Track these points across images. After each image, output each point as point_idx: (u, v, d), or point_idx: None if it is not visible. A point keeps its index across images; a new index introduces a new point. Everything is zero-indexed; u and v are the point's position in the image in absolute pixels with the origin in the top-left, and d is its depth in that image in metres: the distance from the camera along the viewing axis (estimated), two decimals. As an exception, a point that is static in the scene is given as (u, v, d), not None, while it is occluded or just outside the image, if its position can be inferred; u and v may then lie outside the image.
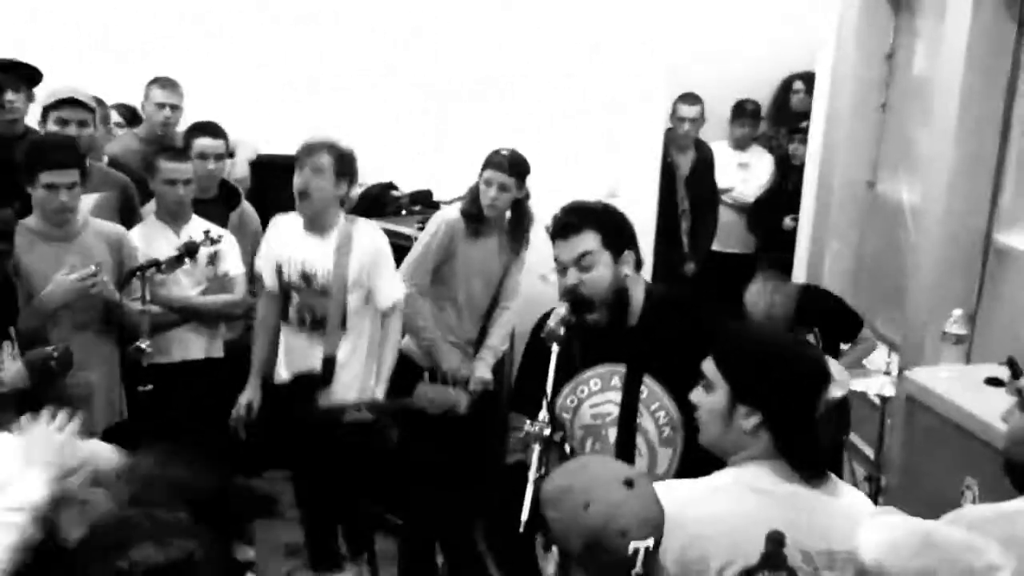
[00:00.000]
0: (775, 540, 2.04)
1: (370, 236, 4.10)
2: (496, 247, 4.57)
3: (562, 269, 2.88)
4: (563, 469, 1.99)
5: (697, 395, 2.29)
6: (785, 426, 2.16)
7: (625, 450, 2.88)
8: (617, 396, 2.90)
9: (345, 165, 4.02)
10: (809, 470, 2.18)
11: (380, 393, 4.07)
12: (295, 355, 4.12)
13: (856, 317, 4.67)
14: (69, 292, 3.75)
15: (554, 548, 1.91)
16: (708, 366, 2.25)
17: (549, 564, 1.92)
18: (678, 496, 2.12)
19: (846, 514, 2.20)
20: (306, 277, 4.06)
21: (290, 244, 4.09)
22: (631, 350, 2.87)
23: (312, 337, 4.07)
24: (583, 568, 1.88)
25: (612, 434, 2.91)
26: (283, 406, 4.13)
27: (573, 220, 2.87)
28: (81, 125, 4.34)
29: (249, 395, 4.17)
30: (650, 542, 1.88)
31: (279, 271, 4.11)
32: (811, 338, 4.59)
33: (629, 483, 1.90)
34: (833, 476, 2.24)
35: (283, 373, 4.17)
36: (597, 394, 2.94)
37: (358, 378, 4.10)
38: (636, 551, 1.85)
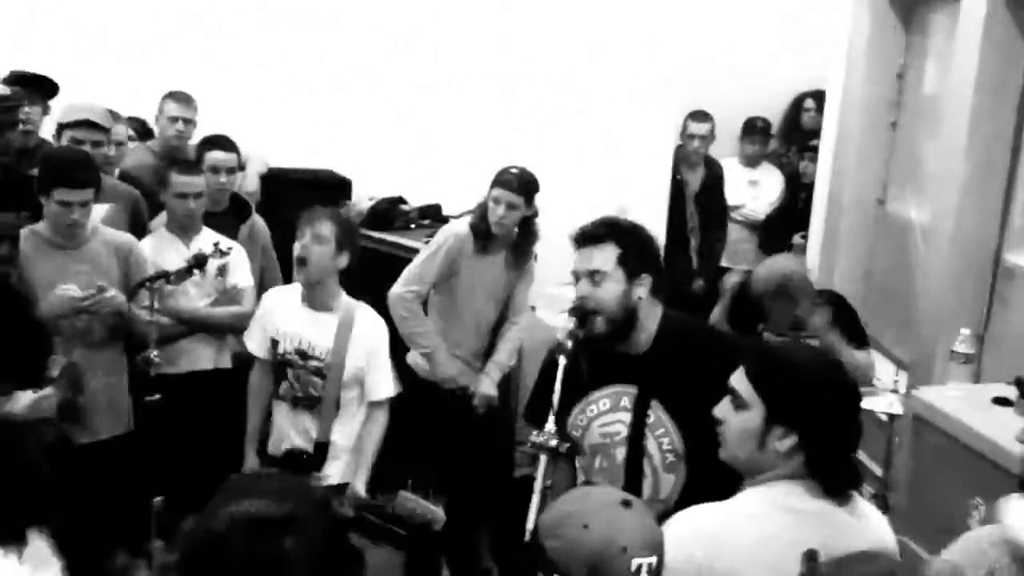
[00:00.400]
0: (811, 558, 2.03)
1: (372, 324, 3.95)
2: (503, 264, 4.57)
3: (576, 278, 2.87)
4: (558, 500, 1.98)
5: (724, 410, 2.24)
6: (821, 449, 2.13)
7: (633, 468, 2.87)
8: (626, 417, 2.88)
9: (347, 236, 3.88)
10: (840, 493, 2.16)
11: (361, 487, 3.86)
12: (286, 431, 3.95)
13: (863, 338, 4.66)
14: (66, 307, 3.76)
15: None
16: (741, 384, 2.20)
17: None
18: (713, 526, 2.12)
19: (871, 531, 2.21)
20: (303, 354, 3.88)
21: (288, 318, 3.93)
22: (642, 374, 2.85)
23: (303, 416, 3.91)
24: None
25: (620, 453, 2.89)
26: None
27: (597, 232, 2.85)
28: (95, 146, 4.37)
29: (250, 464, 4.02)
30: (652, 559, 1.86)
31: (274, 344, 3.94)
32: (817, 343, 4.57)
33: (626, 503, 1.90)
34: (856, 495, 2.23)
35: (273, 448, 4.00)
36: (607, 414, 2.92)
37: (346, 466, 3.93)
38: (639, 567, 1.84)
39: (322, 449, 3.87)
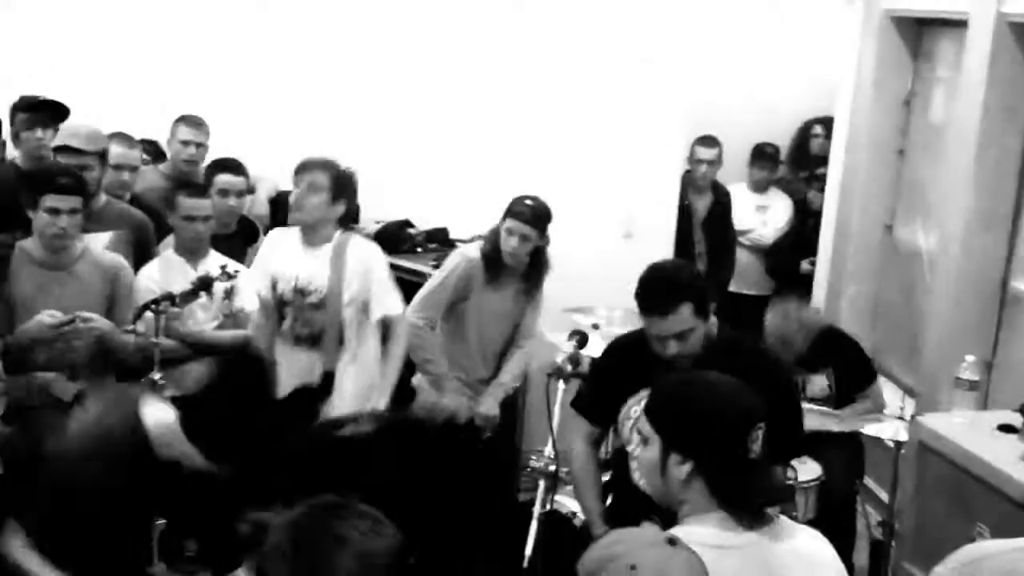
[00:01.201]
0: None
1: (363, 249, 4.11)
2: (513, 293, 4.56)
3: (660, 340, 3.01)
4: (598, 544, 1.93)
5: (637, 449, 2.34)
6: (717, 471, 2.15)
7: None
8: None
9: (342, 186, 4.06)
10: (748, 514, 2.16)
11: (382, 405, 4.02)
12: (292, 370, 4.09)
13: (870, 368, 4.65)
14: (41, 333, 3.75)
15: None
16: (641, 420, 2.27)
17: None
18: None
19: (799, 555, 2.18)
20: (300, 291, 4.06)
21: (285, 259, 4.10)
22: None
23: (308, 352, 4.06)
24: None
25: None
26: (282, 420, 4.09)
27: (671, 298, 2.99)
28: (81, 169, 4.38)
29: None
30: None
31: (273, 286, 4.13)
32: (825, 378, 4.58)
33: (672, 542, 1.87)
34: (781, 517, 2.22)
35: (281, 388, 4.12)
36: None
37: (359, 391, 4.06)
38: None
39: (328, 379, 4.00)
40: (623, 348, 3.33)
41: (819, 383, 4.60)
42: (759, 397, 2.23)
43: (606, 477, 3.40)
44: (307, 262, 4.07)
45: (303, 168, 4.06)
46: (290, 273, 4.07)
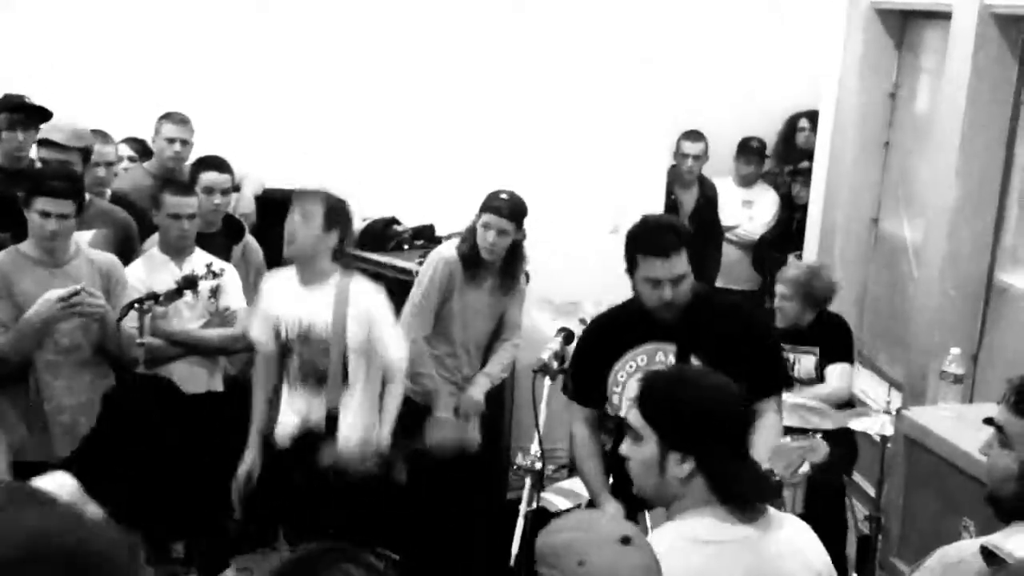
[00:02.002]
0: None
1: (367, 293, 3.99)
2: (492, 287, 4.55)
3: (655, 283, 3.10)
4: (557, 525, 1.95)
5: (627, 447, 2.29)
6: (718, 468, 2.17)
7: None
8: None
9: (336, 215, 3.91)
10: (746, 508, 2.18)
11: (384, 441, 3.96)
12: (298, 415, 3.99)
13: (850, 352, 4.69)
14: (51, 310, 3.77)
15: None
16: (634, 417, 2.26)
17: None
18: None
19: (791, 546, 2.22)
20: (305, 334, 3.93)
21: (285, 303, 3.97)
22: (680, 333, 3.15)
23: (314, 394, 3.96)
24: None
25: None
26: (286, 468, 4.01)
27: (673, 240, 3.13)
28: (61, 166, 4.36)
29: (249, 463, 4.04)
30: None
31: (276, 331, 3.98)
32: (812, 358, 4.60)
33: (626, 540, 1.88)
34: (771, 509, 2.25)
35: (285, 434, 4.03)
36: (644, 368, 3.19)
37: (362, 430, 3.98)
38: None
39: (332, 420, 3.94)
40: (599, 326, 3.43)
41: (808, 364, 4.61)
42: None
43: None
44: (308, 303, 3.93)
45: (297, 197, 3.94)
46: (292, 316, 3.94)
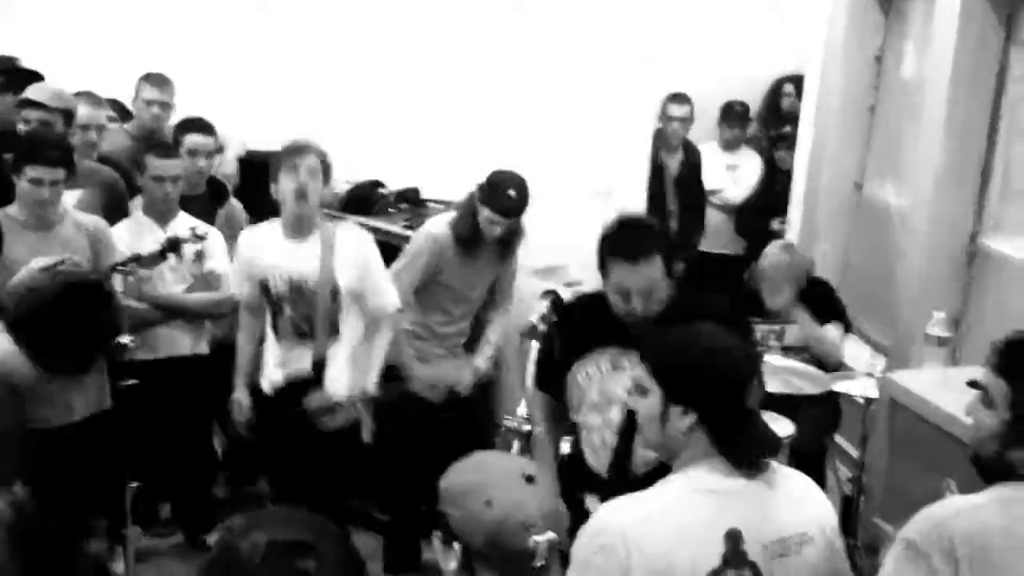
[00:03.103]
0: (733, 538, 2.11)
1: (355, 239, 4.01)
2: (487, 259, 4.49)
3: (624, 292, 2.88)
4: (460, 467, 2.00)
5: (633, 400, 2.33)
6: (719, 422, 2.19)
7: (628, 427, 2.92)
8: (624, 378, 2.97)
9: (327, 168, 3.96)
10: (748, 463, 2.20)
11: (371, 387, 4.00)
12: (288, 366, 4.00)
13: (845, 316, 4.72)
14: (35, 279, 3.73)
15: (455, 544, 1.93)
16: (639, 372, 2.29)
17: (450, 560, 1.94)
18: (633, 517, 2.15)
19: (792, 499, 2.25)
20: (296, 287, 3.91)
21: (273, 256, 3.94)
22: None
23: (305, 346, 3.96)
24: (486, 563, 1.91)
25: (616, 413, 2.98)
26: (272, 414, 4.03)
27: (645, 244, 2.88)
28: (43, 125, 4.33)
29: (239, 396, 4.07)
30: (552, 535, 1.91)
31: (264, 286, 3.96)
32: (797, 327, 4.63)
33: (530, 479, 1.94)
34: (773, 463, 2.27)
35: (273, 380, 4.04)
36: (609, 374, 3.03)
37: (349, 378, 3.99)
38: (537, 544, 1.88)
39: (319, 367, 3.94)
40: (570, 314, 3.29)
41: (794, 332, 4.63)
42: (753, 351, 2.29)
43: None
44: (298, 256, 3.91)
45: (298, 152, 3.88)
46: (282, 270, 3.92)
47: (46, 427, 3.57)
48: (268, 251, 3.95)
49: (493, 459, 2.08)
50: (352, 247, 3.96)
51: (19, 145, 3.91)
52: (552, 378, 3.21)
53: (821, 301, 4.67)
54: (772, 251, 4.73)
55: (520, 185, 4.31)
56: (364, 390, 4.01)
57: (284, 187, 3.86)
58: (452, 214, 4.46)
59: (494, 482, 1.93)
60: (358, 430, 4.16)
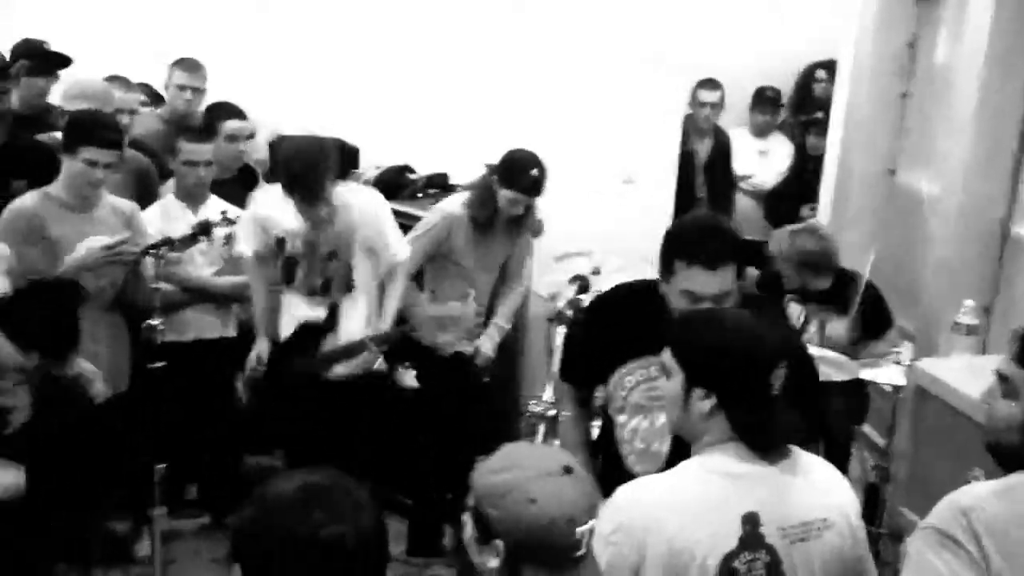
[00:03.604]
0: (750, 521, 2.13)
1: (369, 197, 4.18)
2: (501, 237, 4.54)
3: (694, 298, 2.66)
4: (492, 463, 1.95)
5: (660, 382, 2.35)
6: (739, 406, 2.20)
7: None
8: None
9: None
10: (767, 448, 2.21)
11: (387, 324, 4.13)
12: (299, 316, 4.14)
13: (889, 314, 4.63)
14: (96, 257, 3.79)
15: (497, 543, 1.89)
16: (665, 353, 2.29)
17: (490, 559, 1.90)
18: (653, 498, 2.17)
19: (813, 485, 2.25)
20: (311, 244, 4.06)
21: (288, 216, 4.06)
22: None
23: (320, 302, 4.12)
24: (530, 559, 1.89)
25: (660, 418, 2.86)
26: (287, 357, 4.15)
27: (725, 249, 2.67)
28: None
29: (259, 348, 4.20)
30: (593, 523, 1.90)
31: (280, 244, 4.11)
32: (844, 324, 4.52)
33: (567, 470, 1.92)
34: (796, 450, 2.27)
35: (285, 329, 4.19)
36: (656, 379, 2.80)
37: (363, 322, 4.13)
38: (581, 535, 1.87)
39: (332, 313, 4.08)
40: (610, 307, 3.09)
41: (839, 328, 4.57)
42: (782, 336, 2.27)
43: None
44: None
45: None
46: (297, 229, 4.06)
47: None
48: (283, 211, 4.04)
49: (525, 453, 2.02)
50: (363, 203, 4.10)
51: (76, 124, 3.93)
52: (582, 369, 3.10)
53: (871, 308, 4.56)
54: (776, 237, 4.65)
55: (538, 163, 4.35)
56: (379, 330, 4.10)
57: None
58: (465, 195, 4.51)
59: (533, 478, 1.89)
60: (373, 384, 4.18)
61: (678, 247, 2.69)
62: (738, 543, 2.13)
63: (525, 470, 1.91)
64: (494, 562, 1.90)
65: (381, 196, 4.25)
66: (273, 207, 4.10)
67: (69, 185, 3.89)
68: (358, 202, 4.09)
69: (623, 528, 2.12)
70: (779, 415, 2.24)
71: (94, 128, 3.89)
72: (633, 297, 2.95)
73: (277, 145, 5.25)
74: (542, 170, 4.34)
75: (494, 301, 4.67)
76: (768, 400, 2.22)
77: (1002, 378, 2.17)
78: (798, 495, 2.22)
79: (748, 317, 2.32)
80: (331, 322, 4.07)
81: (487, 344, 4.59)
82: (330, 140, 4.13)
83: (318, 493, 1.65)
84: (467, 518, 1.96)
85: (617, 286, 3.11)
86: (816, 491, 2.26)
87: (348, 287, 4.09)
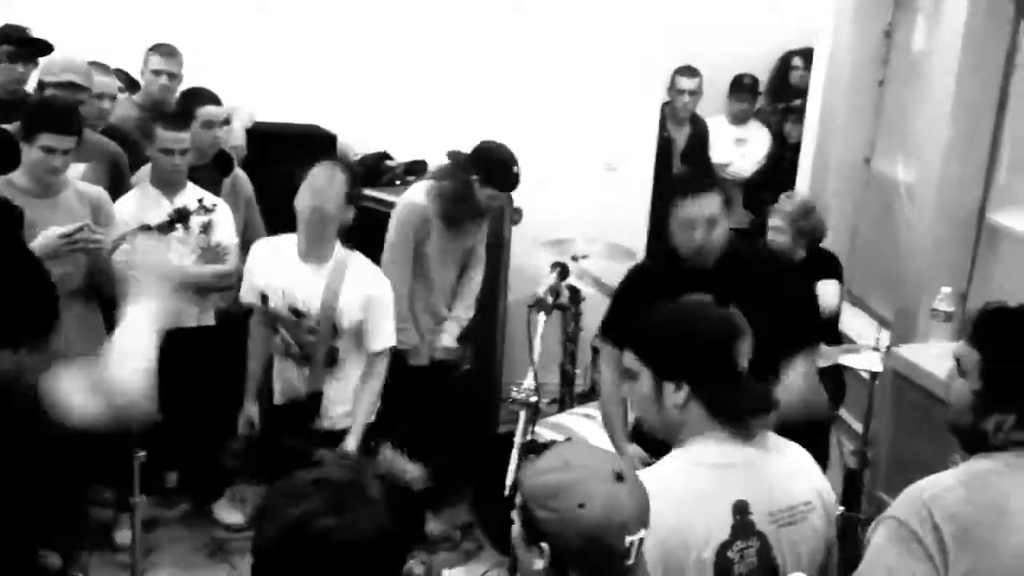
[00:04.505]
0: (741, 510, 2.16)
1: (367, 273, 3.82)
2: (468, 228, 4.54)
3: (689, 225, 3.08)
4: (544, 464, 1.92)
5: (627, 388, 2.38)
6: (711, 388, 2.23)
7: None
8: None
9: (354, 188, 3.76)
10: (744, 428, 2.24)
11: (353, 444, 3.74)
12: (286, 382, 3.94)
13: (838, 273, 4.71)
14: (53, 245, 3.74)
15: (543, 545, 1.86)
16: (628, 357, 2.33)
17: (536, 560, 1.87)
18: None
19: (792, 467, 2.30)
20: (296, 312, 3.78)
21: (281, 273, 3.80)
22: (716, 284, 2.87)
23: (301, 367, 3.86)
24: (578, 563, 1.85)
25: None
26: (279, 426, 3.98)
27: (704, 179, 3.24)
28: (78, 104, 4.34)
29: (248, 412, 4.03)
30: (644, 533, 1.87)
31: (263, 299, 3.85)
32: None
33: (619, 477, 1.87)
34: (769, 433, 2.30)
35: (279, 397, 4.00)
36: None
37: (342, 418, 3.86)
38: (632, 543, 1.84)
39: (315, 399, 3.84)
40: (640, 274, 3.41)
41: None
42: (732, 312, 2.31)
43: None
44: (305, 281, 3.76)
45: (322, 168, 3.72)
46: (286, 289, 3.78)
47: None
48: (279, 267, 3.81)
49: (577, 455, 1.95)
50: (363, 284, 3.78)
51: (32, 112, 3.89)
52: (618, 327, 3.30)
53: (826, 269, 4.63)
54: (787, 198, 4.74)
55: (515, 157, 4.35)
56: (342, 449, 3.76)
57: (301, 202, 3.67)
58: (427, 184, 4.46)
59: (586, 481, 1.85)
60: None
61: (671, 193, 3.17)
62: (731, 532, 2.15)
63: (576, 472, 1.87)
64: (540, 564, 1.87)
65: (382, 275, 3.92)
66: (265, 260, 3.87)
67: (29, 172, 3.85)
68: (354, 276, 3.77)
69: None
70: (750, 390, 2.27)
71: (51, 114, 3.85)
72: (657, 261, 3.34)
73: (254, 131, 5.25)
74: (518, 164, 4.36)
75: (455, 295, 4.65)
76: (737, 376, 2.25)
77: (956, 360, 2.21)
78: (782, 479, 2.25)
79: (697, 302, 2.36)
80: (315, 407, 3.84)
81: (446, 338, 4.57)
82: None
83: (330, 486, 1.65)
84: (515, 516, 1.92)
85: (649, 259, 3.57)
86: (797, 474, 2.30)
87: (331, 361, 3.82)
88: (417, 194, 4.48)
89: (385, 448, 3.89)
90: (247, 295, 3.97)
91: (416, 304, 4.52)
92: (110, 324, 3.96)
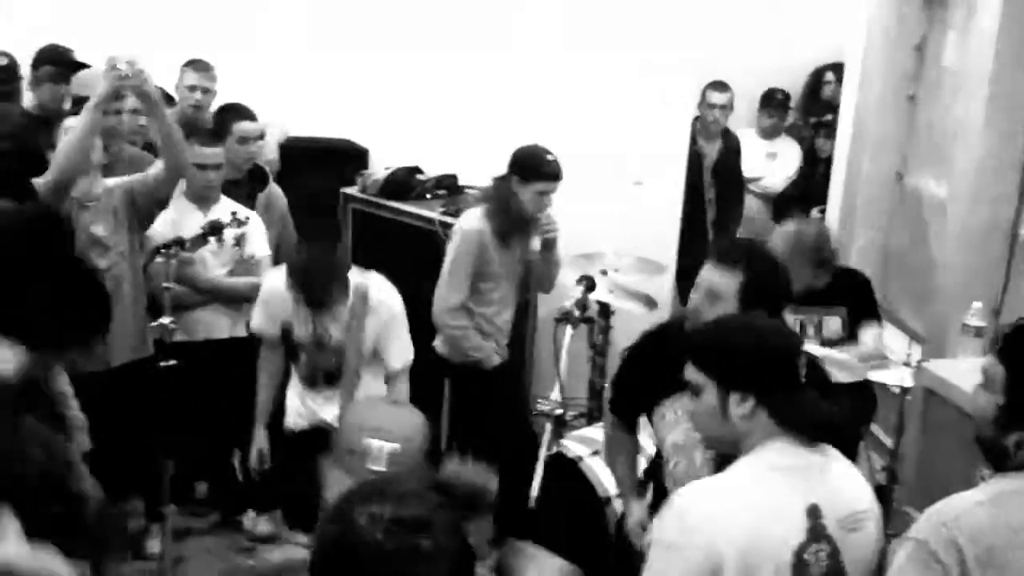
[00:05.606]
0: (814, 513, 2.17)
1: (385, 295, 3.93)
2: (521, 244, 4.53)
3: (695, 287, 2.85)
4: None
5: (687, 405, 2.41)
6: (778, 398, 2.25)
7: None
8: None
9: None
10: (813, 432, 2.26)
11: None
12: (306, 409, 4.02)
13: (876, 310, 4.61)
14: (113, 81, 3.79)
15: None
16: (690, 373, 2.34)
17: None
18: (717, 501, 2.19)
19: (850, 475, 2.33)
20: (319, 339, 3.89)
21: (301, 303, 3.87)
22: None
23: (323, 392, 3.96)
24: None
25: (699, 455, 2.90)
26: (298, 455, 3.96)
27: (735, 256, 2.82)
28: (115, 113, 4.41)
29: (259, 444, 4.07)
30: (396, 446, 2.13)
31: (287, 331, 3.95)
32: (837, 319, 4.52)
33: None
34: (826, 446, 2.31)
35: (296, 423, 4.05)
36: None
37: None
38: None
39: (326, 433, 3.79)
40: (653, 346, 3.16)
41: (834, 325, 4.57)
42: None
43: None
44: (331, 311, 3.88)
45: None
46: (307, 320, 3.89)
47: (79, 371, 3.56)
48: (296, 298, 3.87)
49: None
50: (382, 306, 3.90)
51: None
52: (627, 403, 3.19)
53: (859, 295, 4.53)
54: (776, 234, 4.60)
55: (547, 149, 4.36)
56: None
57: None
58: (479, 209, 4.47)
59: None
60: None
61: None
62: (807, 535, 2.17)
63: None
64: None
65: (399, 299, 3.99)
66: (288, 293, 3.90)
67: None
68: (375, 302, 3.89)
69: (691, 534, 2.13)
70: (813, 400, 2.30)
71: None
72: (672, 334, 3.00)
73: (287, 152, 5.29)
74: (553, 153, 4.35)
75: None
76: (801, 387, 2.28)
77: (983, 371, 2.21)
78: (846, 485, 2.28)
79: (755, 316, 2.40)
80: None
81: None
82: (343, 247, 4.01)
83: (392, 498, 1.61)
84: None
85: (653, 327, 3.22)
86: (855, 481, 2.33)
87: (356, 384, 3.92)
88: (469, 221, 4.47)
89: (451, 459, 3.97)
90: (261, 325, 4.01)
91: (478, 320, 4.51)
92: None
